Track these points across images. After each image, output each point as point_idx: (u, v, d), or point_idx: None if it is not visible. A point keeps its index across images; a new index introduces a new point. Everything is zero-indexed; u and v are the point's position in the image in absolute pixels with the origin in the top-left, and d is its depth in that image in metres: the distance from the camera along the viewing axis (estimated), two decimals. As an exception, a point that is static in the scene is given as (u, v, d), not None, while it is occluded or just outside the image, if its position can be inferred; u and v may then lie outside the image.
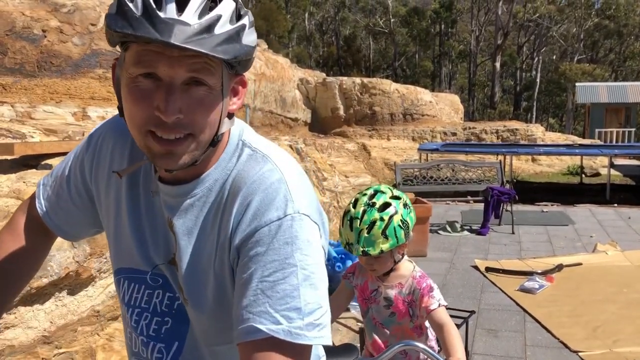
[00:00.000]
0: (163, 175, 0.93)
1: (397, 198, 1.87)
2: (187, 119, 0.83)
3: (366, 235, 1.80)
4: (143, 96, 0.82)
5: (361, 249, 1.81)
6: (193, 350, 0.98)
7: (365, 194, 1.88)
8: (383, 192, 1.88)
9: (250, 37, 0.86)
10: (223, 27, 0.81)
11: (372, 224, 1.80)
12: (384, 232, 1.80)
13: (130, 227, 0.99)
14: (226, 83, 0.87)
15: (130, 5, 0.79)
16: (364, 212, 1.82)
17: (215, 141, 0.89)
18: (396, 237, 1.81)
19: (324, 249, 0.91)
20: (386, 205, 1.83)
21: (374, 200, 1.85)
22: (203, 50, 0.78)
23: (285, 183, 0.88)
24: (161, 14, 0.77)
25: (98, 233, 1.18)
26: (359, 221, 1.82)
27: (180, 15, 0.78)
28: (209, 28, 0.79)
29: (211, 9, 0.81)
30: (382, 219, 1.80)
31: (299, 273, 0.83)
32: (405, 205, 1.87)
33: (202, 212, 0.92)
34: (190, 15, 0.79)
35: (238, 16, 0.84)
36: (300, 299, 0.82)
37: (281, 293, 0.81)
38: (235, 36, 0.83)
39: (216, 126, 0.87)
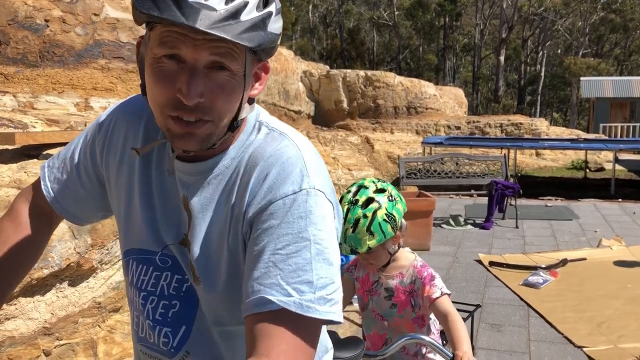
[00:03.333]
0: (180, 154, 0.92)
1: (381, 191, 1.84)
2: (208, 103, 0.83)
3: (351, 234, 1.78)
4: (165, 78, 0.82)
5: (349, 248, 1.80)
6: (201, 334, 0.96)
7: (349, 191, 1.86)
8: (366, 187, 1.85)
9: (276, 25, 0.86)
10: (249, 14, 0.81)
11: (356, 222, 1.78)
12: (368, 229, 1.78)
13: (141, 207, 0.98)
14: (249, 69, 0.87)
15: None
16: (348, 210, 1.80)
17: (234, 126, 0.89)
18: (382, 231, 1.79)
19: (337, 230, 0.90)
20: (369, 201, 1.81)
21: (357, 197, 1.82)
22: (227, 37, 0.78)
23: (302, 159, 0.89)
24: None
25: (105, 217, 1.16)
26: (343, 220, 1.79)
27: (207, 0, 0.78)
28: (235, 14, 0.79)
29: None
30: (365, 216, 1.78)
31: (312, 247, 0.82)
32: (390, 197, 1.83)
33: (217, 190, 0.92)
34: (217, 0, 0.78)
35: (265, 3, 0.84)
36: (313, 273, 0.81)
37: (293, 266, 0.81)
38: (260, 24, 0.82)
39: (235, 111, 0.87)
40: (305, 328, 0.79)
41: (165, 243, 0.96)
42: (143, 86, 0.88)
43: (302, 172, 0.87)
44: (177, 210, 0.95)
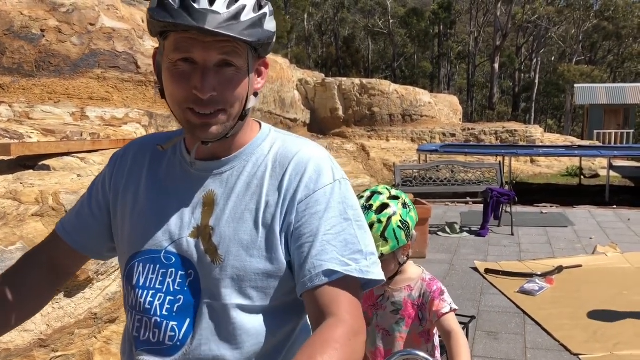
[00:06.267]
0: (199, 155, 1.06)
1: (395, 198, 1.81)
2: (220, 96, 0.96)
3: None
4: (182, 77, 0.96)
5: None
6: (205, 324, 1.03)
7: (362, 197, 1.82)
8: (380, 193, 1.82)
9: (270, 24, 0.99)
10: (248, 15, 0.94)
11: (370, 226, 1.71)
12: (382, 235, 1.74)
13: (147, 211, 1.08)
14: (251, 64, 1.00)
15: None
16: None
17: (244, 115, 1.02)
18: (396, 238, 1.76)
19: None
20: (384, 206, 1.78)
21: (370, 202, 1.79)
22: (232, 34, 0.92)
23: (328, 157, 1.07)
24: (196, 6, 0.91)
25: (113, 252, 1.20)
26: None
27: (212, 6, 0.91)
28: (236, 16, 0.93)
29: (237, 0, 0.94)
30: (380, 221, 1.75)
31: (353, 224, 1.02)
32: (404, 204, 1.81)
33: (240, 181, 1.05)
34: (220, 5, 0.92)
35: (259, 6, 0.98)
36: (360, 244, 1.00)
37: (343, 242, 0.99)
38: (258, 22, 0.96)
39: (244, 101, 1.01)
40: (357, 288, 0.99)
41: (174, 238, 1.05)
42: (162, 90, 1.02)
43: (332, 167, 1.05)
44: (190, 205, 1.06)
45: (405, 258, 1.88)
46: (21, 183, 2.59)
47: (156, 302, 1.04)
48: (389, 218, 1.76)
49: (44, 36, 5.11)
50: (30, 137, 3.33)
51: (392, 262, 1.83)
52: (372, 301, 1.94)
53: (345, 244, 0.99)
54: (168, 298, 1.03)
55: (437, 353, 1.94)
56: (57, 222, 1.22)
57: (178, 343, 1.02)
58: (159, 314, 1.03)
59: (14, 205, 2.42)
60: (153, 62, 1.04)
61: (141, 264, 1.06)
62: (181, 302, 1.03)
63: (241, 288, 1.01)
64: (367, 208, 1.77)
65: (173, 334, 1.02)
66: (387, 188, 1.87)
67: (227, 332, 1.02)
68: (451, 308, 1.81)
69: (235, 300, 1.02)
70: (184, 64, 0.95)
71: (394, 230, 1.75)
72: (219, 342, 1.02)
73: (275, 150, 1.07)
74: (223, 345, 1.02)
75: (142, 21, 5.87)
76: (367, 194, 1.84)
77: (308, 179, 1.02)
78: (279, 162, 1.05)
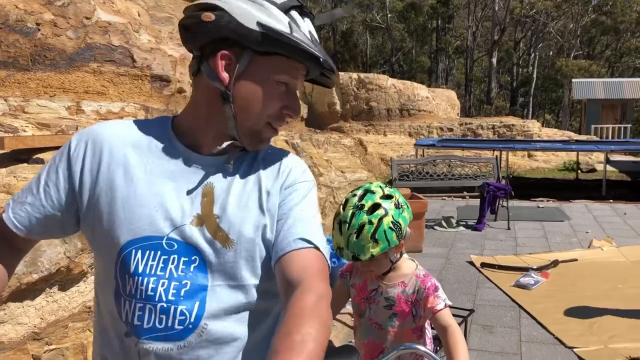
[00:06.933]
0: (195, 149, 1.12)
1: (388, 198, 1.77)
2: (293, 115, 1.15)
3: (355, 240, 1.70)
4: (278, 97, 1.10)
5: (351, 255, 1.72)
6: (216, 306, 1.05)
7: (355, 195, 1.79)
8: (373, 192, 1.77)
9: None
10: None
11: (361, 227, 1.70)
12: (373, 236, 1.70)
13: (147, 198, 1.07)
14: None
15: (300, 29, 1.08)
16: (353, 215, 1.72)
17: None
18: (387, 239, 1.71)
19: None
20: (375, 207, 1.73)
21: (362, 202, 1.75)
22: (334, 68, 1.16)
23: (303, 163, 1.23)
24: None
25: (66, 233, 1.16)
26: (347, 225, 1.72)
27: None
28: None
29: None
30: (371, 222, 1.71)
31: (317, 220, 1.15)
32: (397, 205, 1.76)
33: (238, 174, 1.13)
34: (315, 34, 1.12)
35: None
36: (319, 234, 1.12)
37: (314, 227, 1.12)
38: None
39: None
40: (324, 261, 1.09)
41: (175, 225, 1.06)
42: (226, 95, 1.07)
43: (307, 169, 1.21)
44: (189, 195, 1.09)
45: (398, 256, 1.85)
46: (15, 176, 2.58)
47: (160, 288, 1.03)
48: (380, 219, 1.72)
49: (39, 30, 5.09)
50: (25, 131, 3.33)
51: (384, 261, 1.82)
52: (365, 295, 1.93)
53: (314, 229, 1.12)
54: (173, 283, 1.04)
55: (430, 344, 1.95)
56: (3, 213, 1.13)
57: (190, 326, 1.04)
58: (164, 299, 1.03)
59: (7, 199, 2.41)
60: (189, 68, 1.15)
61: (139, 251, 1.05)
62: (188, 286, 1.04)
63: (253, 268, 1.08)
64: (358, 208, 1.74)
65: (183, 317, 1.03)
66: (380, 186, 1.82)
67: (238, 312, 1.07)
68: (445, 304, 1.80)
69: (250, 281, 1.08)
70: (281, 85, 1.09)
71: (384, 231, 1.72)
72: (231, 323, 1.06)
73: (267, 150, 1.20)
74: (235, 325, 1.07)
75: (138, 15, 5.84)
76: (360, 192, 1.80)
77: (295, 174, 1.17)
78: (272, 159, 1.18)
